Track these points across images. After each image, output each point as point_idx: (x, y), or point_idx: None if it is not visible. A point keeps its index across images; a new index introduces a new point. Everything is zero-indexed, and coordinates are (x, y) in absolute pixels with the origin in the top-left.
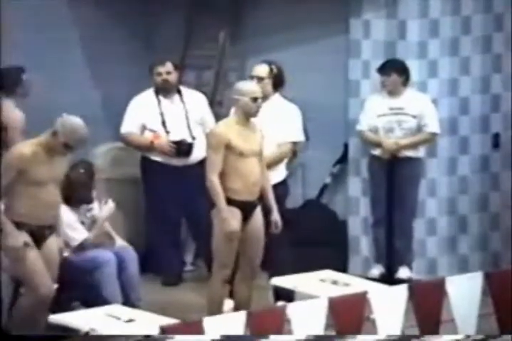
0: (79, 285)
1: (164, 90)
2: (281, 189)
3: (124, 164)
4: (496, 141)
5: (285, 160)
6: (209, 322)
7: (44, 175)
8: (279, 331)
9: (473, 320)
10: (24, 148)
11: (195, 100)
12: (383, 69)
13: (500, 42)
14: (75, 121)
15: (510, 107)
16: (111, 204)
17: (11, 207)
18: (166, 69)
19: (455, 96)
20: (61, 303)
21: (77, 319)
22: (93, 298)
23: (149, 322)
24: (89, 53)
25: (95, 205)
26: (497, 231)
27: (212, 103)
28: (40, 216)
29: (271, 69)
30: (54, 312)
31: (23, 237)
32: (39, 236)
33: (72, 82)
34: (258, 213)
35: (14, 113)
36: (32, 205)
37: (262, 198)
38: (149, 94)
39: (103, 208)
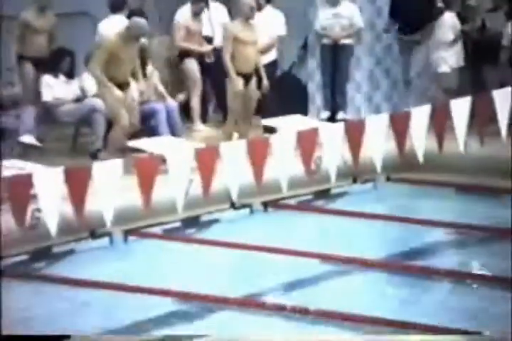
0: (145, 125)
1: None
2: (272, 64)
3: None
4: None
5: (274, 46)
6: (224, 147)
7: (123, 54)
8: (266, 153)
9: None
10: (112, 38)
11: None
12: None
13: None
14: (140, 20)
15: None
16: (156, 73)
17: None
18: None
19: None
20: (133, 136)
21: (146, 144)
22: (152, 135)
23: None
24: None
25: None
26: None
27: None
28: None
29: None
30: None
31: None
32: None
33: None
34: (253, 80)
35: None
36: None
37: (256, 71)
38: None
39: (155, 75)
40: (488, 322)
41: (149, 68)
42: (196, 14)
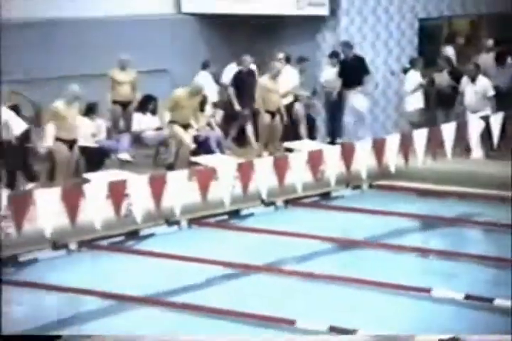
0: (201, 145)
1: None
2: (290, 105)
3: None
4: None
5: (291, 93)
6: (258, 162)
7: (186, 104)
8: (286, 166)
9: None
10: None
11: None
12: None
13: None
14: (199, 82)
15: None
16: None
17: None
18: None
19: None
20: (195, 153)
21: (203, 159)
22: (207, 153)
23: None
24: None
25: None
26: None
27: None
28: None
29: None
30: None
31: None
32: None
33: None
34: (277, 116)
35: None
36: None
37: (279, 110)
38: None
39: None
40: None
41: (208, 109)
42: (273, 77)
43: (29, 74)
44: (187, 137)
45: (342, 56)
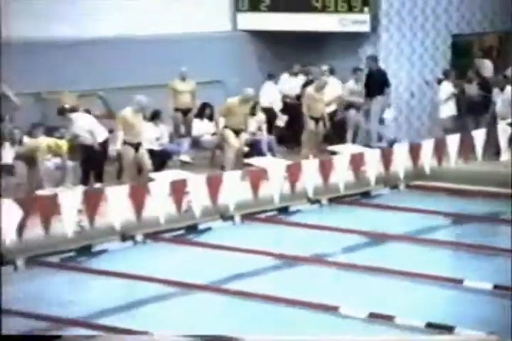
0: (253, 149)
1: None
2: (333, 113)
3: None
4: None
5: (334, 102)
6: (305, 163)
7: (238, 110)
8: (331, 167)
9: None
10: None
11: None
12: None
13: None
14: (250, 91)
15: None
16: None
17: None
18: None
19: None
20: (248, 155)
21: (255, 161)
22: (258, 155)
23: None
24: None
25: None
26: None
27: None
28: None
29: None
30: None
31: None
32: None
33: None
34: (321, 122)
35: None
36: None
37: (322, 116)
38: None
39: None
40: None
41: (259, 115)
42: (319, 88)
43: (101, 85)
44: (235, 141)
45: (367, 69)
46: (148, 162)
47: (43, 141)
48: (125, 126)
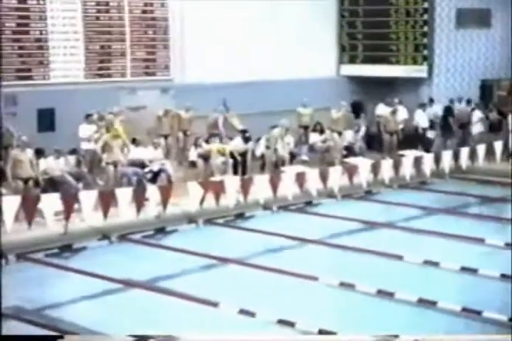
0: (350, 151)
1: None
2: (402, 129)
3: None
4: None
5: (403, 121)
6: (383, 162)
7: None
8: (399, 165)
9: None
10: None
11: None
12: None
13: None
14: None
15: None
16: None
17: None
18: None
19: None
20: (346, 156)
21: (350, 160)
22: (354, 156)
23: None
24: None
25: None
26: None
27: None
28: None
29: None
30: None
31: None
32: None
33: None
34: (394, 136)
35: None
36: None
37: (396, 131)
38: None
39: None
40: None
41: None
42: (393, 112)
43: (246, 110)
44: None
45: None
46: (287, 159)
47: (214, 146)
48: (272, 142)
